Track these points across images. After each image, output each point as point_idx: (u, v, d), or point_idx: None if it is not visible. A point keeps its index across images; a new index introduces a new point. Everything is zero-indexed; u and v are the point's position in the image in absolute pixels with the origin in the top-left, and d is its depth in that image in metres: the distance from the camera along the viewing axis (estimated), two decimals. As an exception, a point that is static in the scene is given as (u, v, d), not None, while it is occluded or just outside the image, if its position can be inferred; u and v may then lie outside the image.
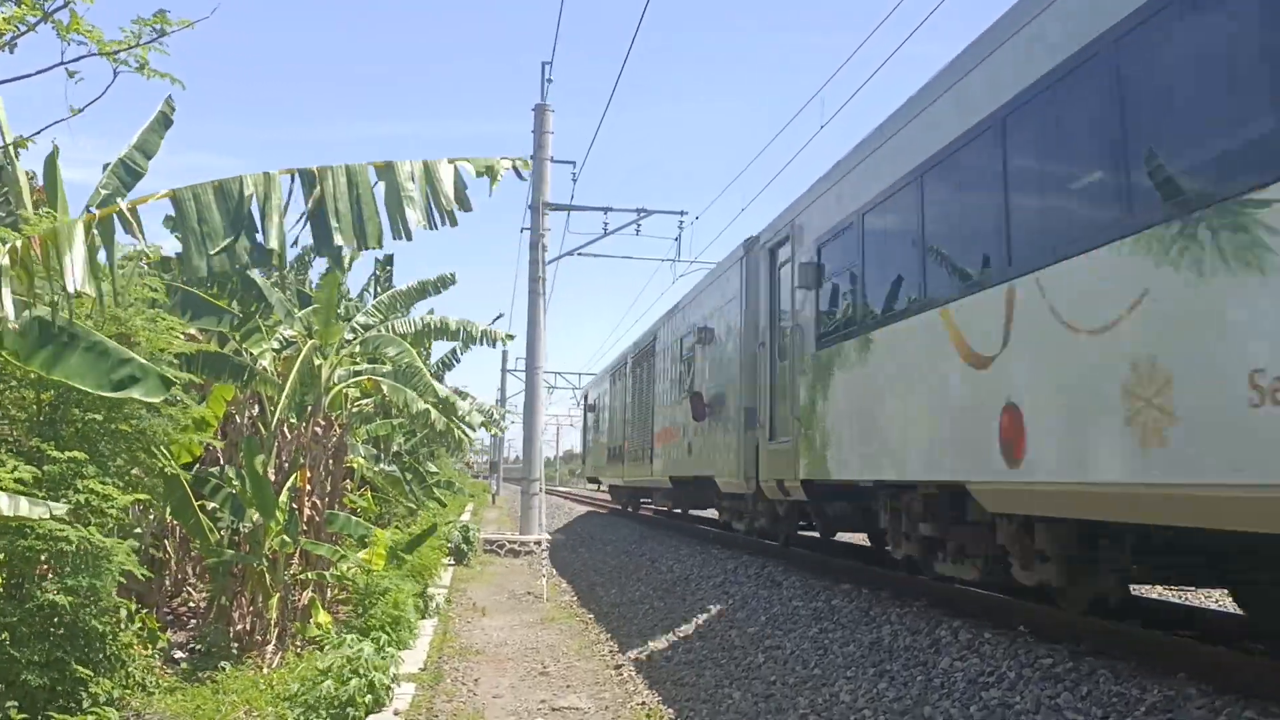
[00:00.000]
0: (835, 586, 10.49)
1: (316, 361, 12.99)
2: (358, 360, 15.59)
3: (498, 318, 34.96)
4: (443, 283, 16.05)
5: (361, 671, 8.76)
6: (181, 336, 8.83)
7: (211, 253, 6.85)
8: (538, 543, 23.96)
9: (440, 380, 31.00)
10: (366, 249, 7.52)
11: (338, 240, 7.28)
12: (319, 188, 7.34)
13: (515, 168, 8.17)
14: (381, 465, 19.11)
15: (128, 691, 7.05)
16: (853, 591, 10.06)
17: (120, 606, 7.62)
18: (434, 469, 33.12)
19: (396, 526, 22.98)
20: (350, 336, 14.07)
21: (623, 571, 16.99)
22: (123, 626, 7.35)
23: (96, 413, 6.68)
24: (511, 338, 17.34)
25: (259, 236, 7.19)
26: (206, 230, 6.87)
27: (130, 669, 7.00)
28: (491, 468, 79.35)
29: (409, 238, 7.50)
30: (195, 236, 6.85)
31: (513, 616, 14.81)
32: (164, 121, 12.01)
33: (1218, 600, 10.96)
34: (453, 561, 21.68)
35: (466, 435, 14.59)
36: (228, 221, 6.99)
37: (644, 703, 9.13)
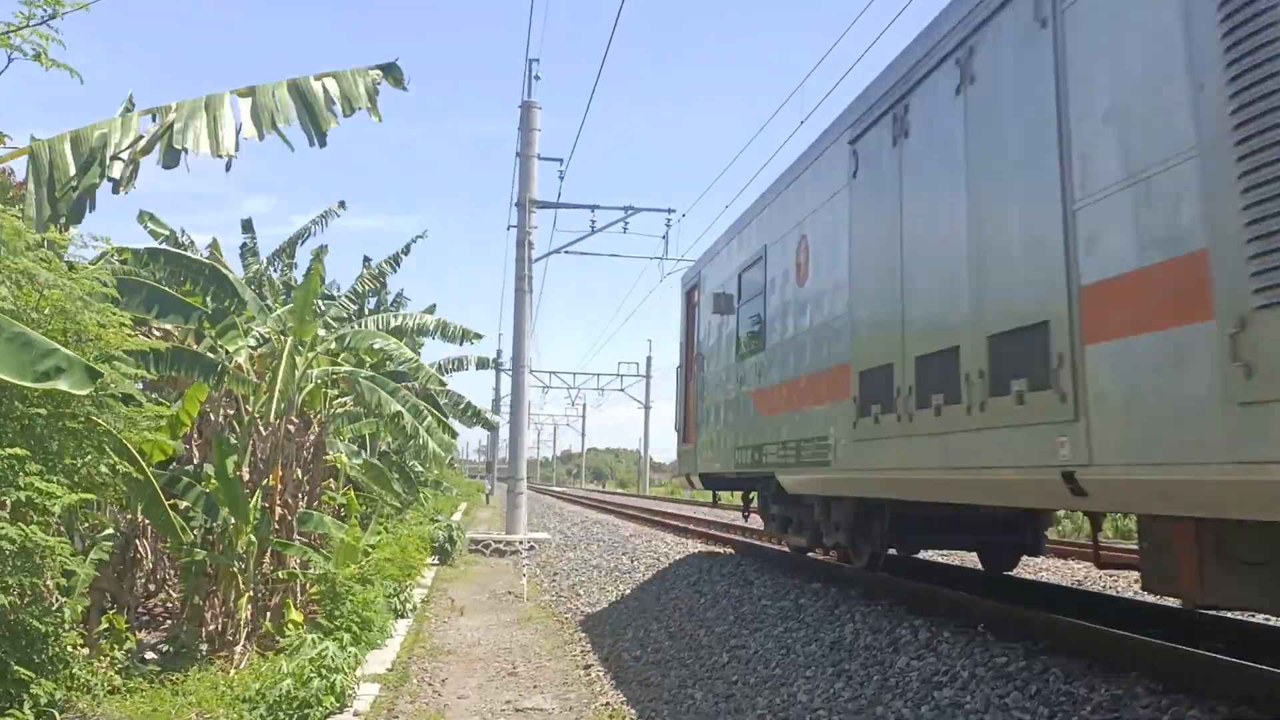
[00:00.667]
0: (806, 585, 10.40)
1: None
2: (337, 358, 15.51)
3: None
4: (405, 251, 15.92)
5: (323, 672, 8.68)
6: (136, 332, 8.71)
7: (58, 194, 6.88)
8: (523, 542, 23.88)
9: (442, 384, 31.03)
10: (220, 157, 7.65)
11: (185, 148, 7.45)
12: (172, 115, 7.48)
13: (394, 81, 8.28)
14: (363, 457, 18.95)
15: (73, 693, 6.94)
16: (822, 590, 9.97)
17: (64, 607, 7.51)
18: (420, 468, 33.02)
19: (382, 525, 22.92)
20: (324, 333, 13.96)
21: (604, 571, 16.89)
22: (67, 627, 7.24)
23: (41, 408, 6.57)
24: (480, 336, 17.22)
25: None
26: (57, 176, 6.91)
27: (75, 670, 6.88)
28: (487, 468, 79.28)
29: (260, 138, 7.73)
30: (46, 185, 6.89)
31: (490, 616, 14.71)
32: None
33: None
34: (437, 561, 21.60)
35: (432, 441, 14.41)
36: (79, 165, 7.06)
37: (608, 703, 9.03)
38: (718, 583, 11.83)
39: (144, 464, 10.06)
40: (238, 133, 7.85)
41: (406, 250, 15.77)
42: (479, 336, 17.90)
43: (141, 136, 7.79)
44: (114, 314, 7.29)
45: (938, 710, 5.88)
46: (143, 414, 7.77)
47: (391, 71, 8.65)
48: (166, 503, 13.24)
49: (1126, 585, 10.86)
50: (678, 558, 14.65)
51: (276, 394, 13.00)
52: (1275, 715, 4.67)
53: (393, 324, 15.33)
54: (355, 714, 8.64)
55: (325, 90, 8.16)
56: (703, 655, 9.35)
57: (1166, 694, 5.11)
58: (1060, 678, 5.62)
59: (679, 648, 10.01)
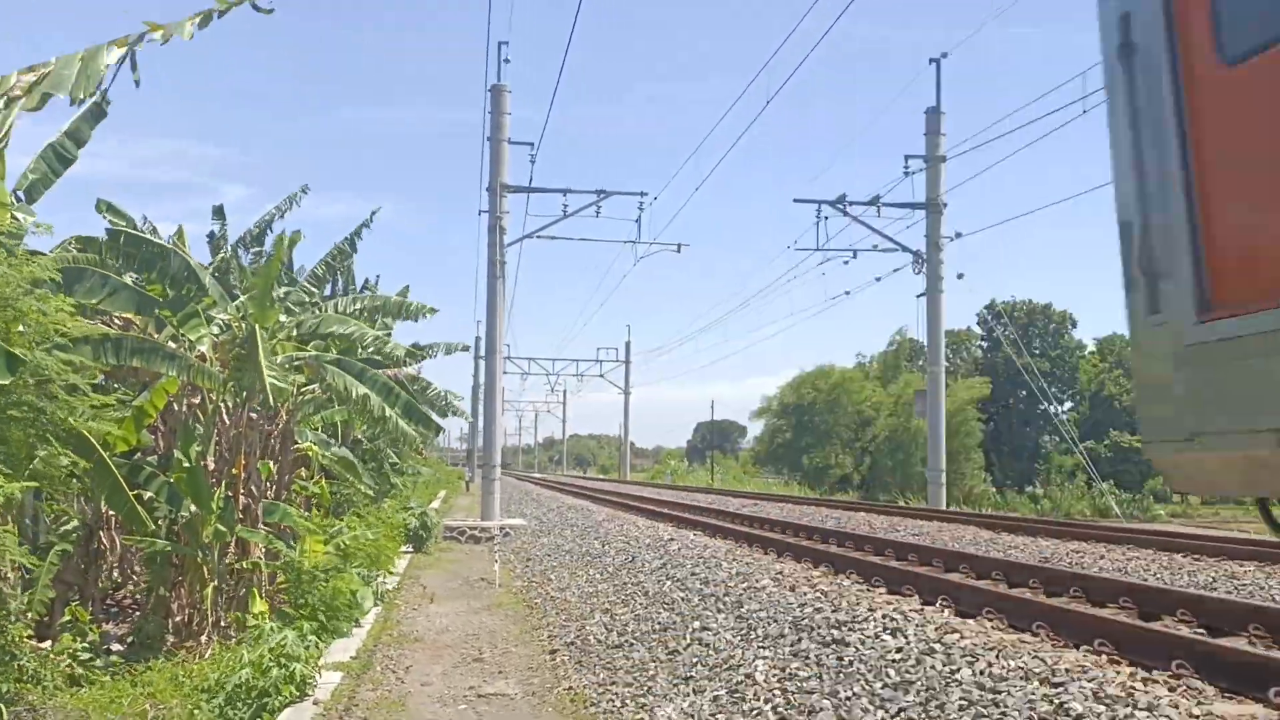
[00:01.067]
0: (771, 566, 10.38)
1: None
2: (303, 345, 15.35)
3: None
4: (365, 224, 15.78)
5: (282, 661, 8.59)
6: (92, 320, 8.57)
7: None
8: (500, 528, 23.81)
9: (409, 364, 30.80)
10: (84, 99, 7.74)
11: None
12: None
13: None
14: (333, 449, 18.79)
15: (22, 686, 6.83)
16: (787, 568, 9.95)
17: (8, 599, 7.40)
18: (396, 458, 32.86)
19: (356, 513, 22.77)
20: (285, 319, 13.80)
21: (575, 556, 16.84)
22: (14, 619, 7.13)
23: (-20, 399, 6.46)
24: (434, 311, 17.01)
25: None
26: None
27: (24, 663, 6.78)
28: (468, 456, 79.07)
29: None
30: None
31: (461, 603, 14.62)
32: (97, 114, 11.81)
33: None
34: (411, 549, 21.49)
35: (403, 423, 14.27)
36: None
37: (571, 687, 8.97)
38: (685, 565, 11.79)
39: (105, 454, 9.95)
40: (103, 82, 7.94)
41: (359, 233, 15.60)
42: (433, 311, 17.58)
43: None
44: (52, 300, 7.16)
45: (889, 687, 5.85)
46: (87, 403, 7.62)
47: None
48: (130, 493, 13.14)
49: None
50: (648, 542, 14.61)
51: (239, 381, 12.86)
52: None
53: (352, 308, 15.16)
54: (315, 702, 8.54)
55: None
56: (666, 638, 9.31)
57: (1129, 665, 5.09)
58: (1012, 651, 5.60)
59: (644, 630, 9.96)
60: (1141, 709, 4.61)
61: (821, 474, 62.32)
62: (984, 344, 74.97)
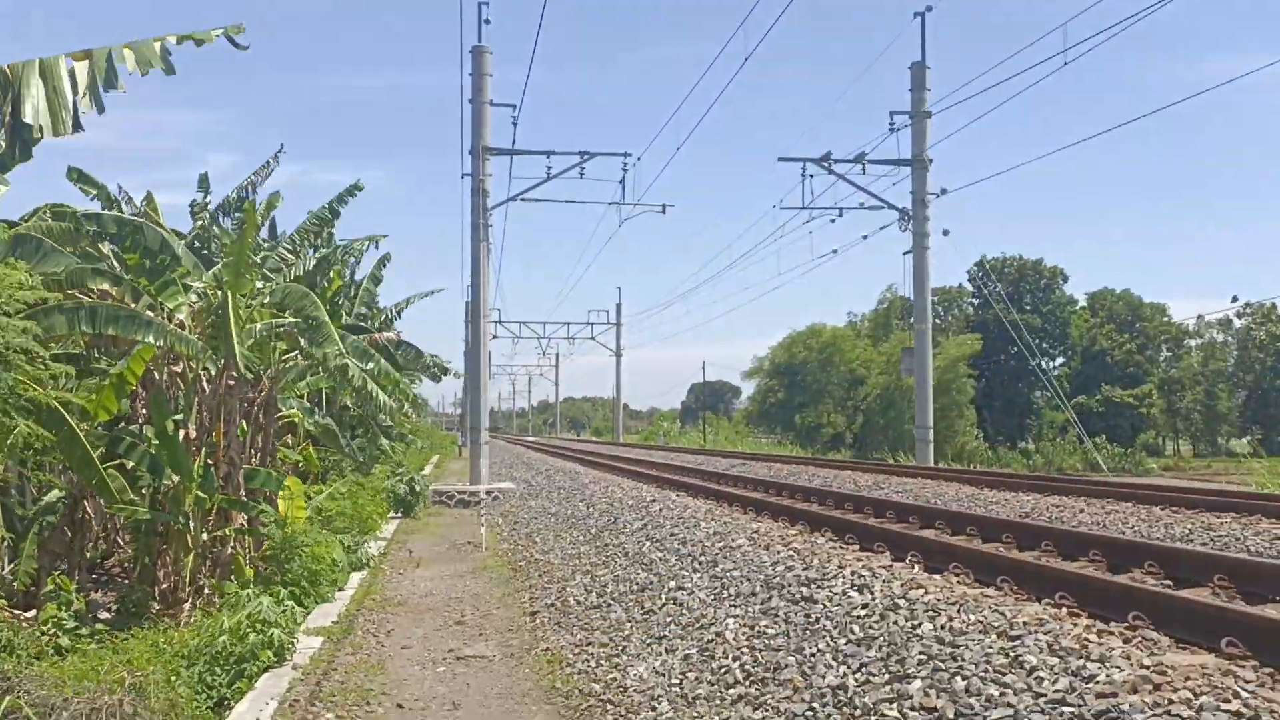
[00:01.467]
0: (749, 525, 10.43)
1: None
2: (282, 312, 15.28)
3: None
4: (349, 192, 15.64)
5: (259, 627, 8.63)
6: (35, 285, 8.51)
7: None
8: (488, 492, 23.90)
9: (391, 327, 30.65)
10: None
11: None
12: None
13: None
14: (316, 418, 18.78)
15: (-4, 655, 6.86)
16: (763, 526, 10.00)
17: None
18: (389, 422, 32.87)
19: (341, 476, 22.81)
20: (263, 286, 13.74)
21: (561, 518, 16.91)
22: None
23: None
24: (384, 236, 16.89)
25: None
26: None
27: (-5, 632, 6.80)
28: (460, 420, 79.16)
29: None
30: None
31: (446, 567, 14.70)
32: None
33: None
34: (400, 514, 21.58)
35: (381, 393, 14.21)
36: None
37: (548, 648, 9.05)
38: (665, 525, 11.85)
39: (73, 424, 9.92)
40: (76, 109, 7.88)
41: (342, 200, 15.45)
42: (383, 236, 17.24)
43: None
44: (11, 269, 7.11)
45: (854, 643, 5.89)
46: (47, 373, 7.58)
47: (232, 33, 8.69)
48: (113, 462, 13.11)
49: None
50: (631, 503, 14.67)
51: (215, 349, 12.81)
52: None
53: (313, 264, 15.05)
54: (294, 667, 8.59)
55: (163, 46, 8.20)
56: (643, 598, 9.37)
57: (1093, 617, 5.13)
58: (974, 605, 5.64)
59: (622, 591, 10.03)
60: (1094, 660, 4.65)
61: (814, 433, 62.55)
62: (975, 301, 74.96)
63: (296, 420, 18.84)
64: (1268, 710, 3.84)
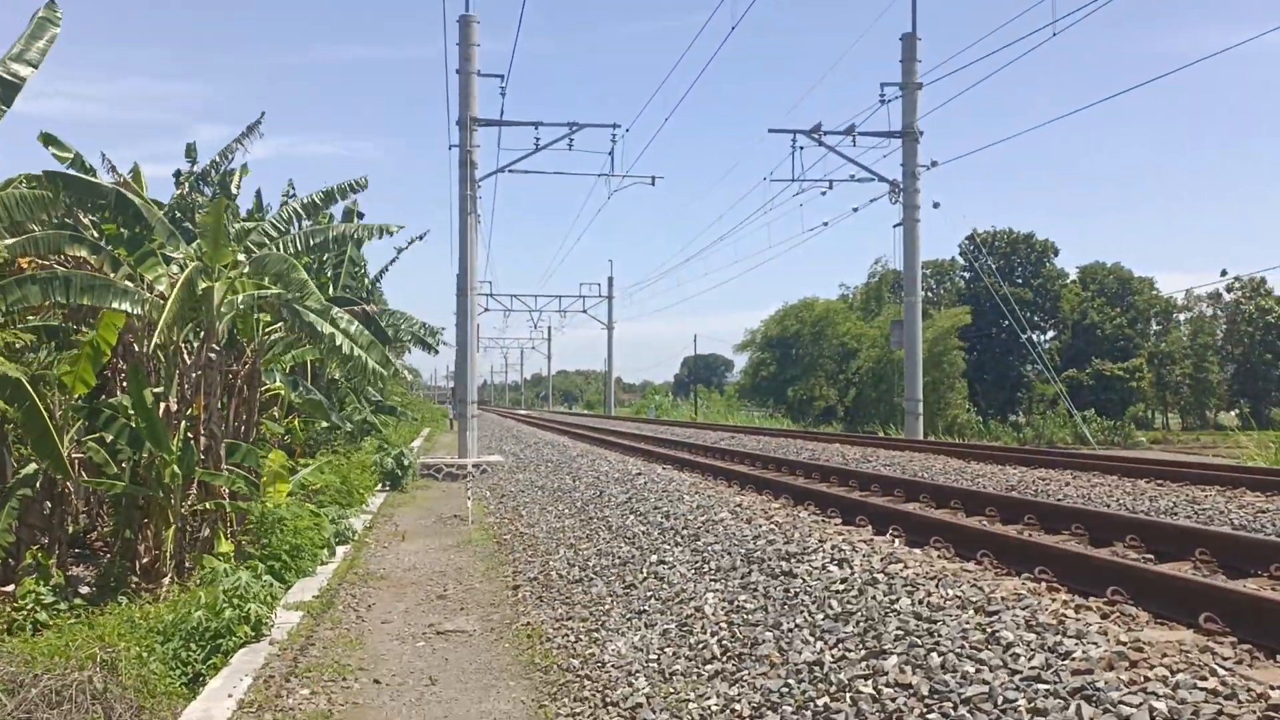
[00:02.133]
0: (732, 499, 10.36)
1: (203, 284, 12.48)
2: (264, 283, 15.12)
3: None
4: (352, 187, 15.40)
5: (235, 602, 8.54)
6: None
7: None
8: (476, 465, 23.83)
9: (374, 292, 30.34)
10: None
11: None
12: None
13: None
14: (302, 390, 18.65)
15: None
16: (747, 500, 9.93)
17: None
18: (379, 395, 32.78)
19: (331, 450, 22.72)
20: (243, 257, 13.56)
21: (548, 491, 16.84)
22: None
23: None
24: (401, 227, 16.56)
25: None
26: None
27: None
28: (453, 393, 78.95)
29: None
30: None
31: (432, 540, 14.63)
32: (44, 26, 11.48)
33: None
34: (388, 487, 21.50)
35: (371, 359, 14.05)
36: None
37: (529, 623, 8.99)
38: (649, 499, 11.78)
39: (35, 397, 9.76)
40: None
41: (344, 194, 15.20)
42: (399, 228, 16.81)
43: None
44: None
45: (829, 617, 5.82)
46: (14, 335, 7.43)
47: None
48: (93, 435, 12.98)
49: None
50: (617, 476, 14.60)
51: (191, 321, 12.67)
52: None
53: (313, 242, 14.85)
54: (271, 643, 8.51)
55: None
56: (624, 572, 9.31)
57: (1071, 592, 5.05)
58: (951, 582, 5.57)
59: (604, 565, 9.96)
60: (1070, 636, 4.58)
61: (806, 406, 62.58)
62: (966, 274, 74.87)
63: (282, 393, 18.72)
64: (1244, 688, 3.77)
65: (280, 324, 16.67)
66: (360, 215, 24.40)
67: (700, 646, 6.49)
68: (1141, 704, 3.76)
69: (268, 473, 13.23)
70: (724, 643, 6.36)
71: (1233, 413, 77.49)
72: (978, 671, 4.52)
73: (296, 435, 19.94)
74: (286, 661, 7.86)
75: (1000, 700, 4.19)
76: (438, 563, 12.63)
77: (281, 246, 14.01)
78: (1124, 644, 4.41)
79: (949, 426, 55.60)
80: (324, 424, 20.93)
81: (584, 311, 66.85)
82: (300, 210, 14.85)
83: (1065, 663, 4.32)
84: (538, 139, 25.72)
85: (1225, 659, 4.20)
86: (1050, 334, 76.51)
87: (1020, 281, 72.68)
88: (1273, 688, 3.76)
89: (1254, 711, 3.57)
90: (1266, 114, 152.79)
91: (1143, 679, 4.00)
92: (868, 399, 60.91)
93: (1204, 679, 3.92)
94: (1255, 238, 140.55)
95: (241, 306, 13.53)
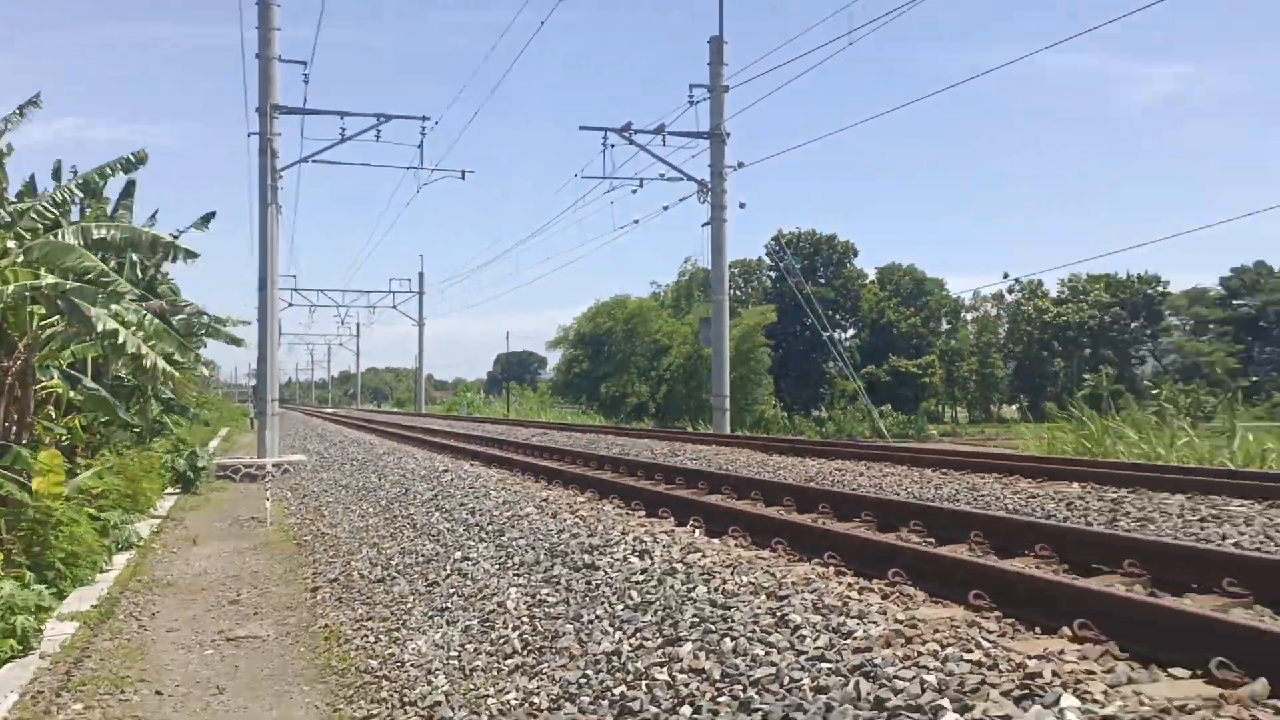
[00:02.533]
0: (539, 493, 10.34)
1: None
2: (38, 273, 14.03)
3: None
4: (128, 164, 14.45)
5: (0, 614, 7.92)
6: None
7: None
8: (276, 465, 22.94)
9: (168, 293, 28.74)
10: None
11: None
12: None
13: None
14: (84, 386, 17.43)
15: None
16: (553, 494, 9.94)
17: None
18: (171, 394, 31.03)
19: (116, 451, 21.34)
20: (14, 245, 12.57)
21: (352, 490, 16.39)
22: None
23: None
24: (196, 255, 15.71)
25: None
26: None
27: None
28: (254, 392, 75.72)
29: None
30: None
31: (226, 544, 13.98)
32: None
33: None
34: (179, 490, 20.41)
35: (161, 360, 13.25)
36: None
37: (328, 624, 8.71)
38: (455, 495, 11.63)
39: None
40: None
41: (127, 167, 14.25)
42: (195, 255, 15.97)
43: None
44: None
45: (629, 609, 5.89)
46: None
47: None
48: None
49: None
50: (423, 474, 14.34)
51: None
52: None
53: (96, 235, 13.90)
54: (42, 656, 7.93)
55: None
56: (428, 570, 9.15)
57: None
58: (746, 568, 5.71)
59: (407, 563, 9.76)
60: (853, 617, 4.78)
61: (618, 403, 63.15)
62: (772, 274, 77.39)
63: (60, 391, 17.45)
64: (1005, 659, 4.03)
65: (57, 317, 15.55)
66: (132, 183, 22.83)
67: (501, 642, 6.44)
68: (914, 677, 3.96)
69: (41, 476, 12.29)
70: (525, 637, 6.34)
71: (1014, 406, 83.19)
72: (767, 654, 4.66)
73: (78, 435, 18.62)
74: (58, 675, 7.35)
75: (786, 680, 4.33)
76: (232, 567, 12.08)
77: (60, 237, 13.04)
78: (901, 622, 4.63)
79: (756, 421, 57.33)
80: (109, 422, 19.62)
81: (394, 307, 65.48)
82: (76, 190, 13.86)
83: (847, 642, 4.50)
84: (344, 129, 24.98)
85: (990, 633, 4.48)
86: (851, 332, 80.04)
87: (823, 281, 75.73)
88: (1029, 657, 4.03)
89: (1013, 680, 3.81)
90: (1046, 128, 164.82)
91: (916, 654, 4.21)
92: (678, 395, 62.01)
93: (970, 652, 4.16)
94: (1036, 241, 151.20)
95: (9, 299, 12.52)
